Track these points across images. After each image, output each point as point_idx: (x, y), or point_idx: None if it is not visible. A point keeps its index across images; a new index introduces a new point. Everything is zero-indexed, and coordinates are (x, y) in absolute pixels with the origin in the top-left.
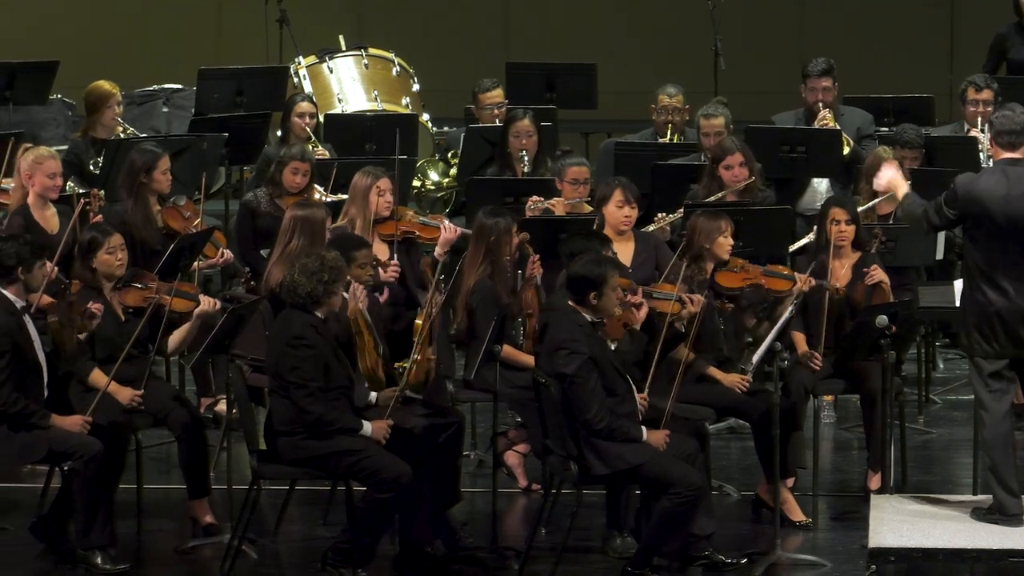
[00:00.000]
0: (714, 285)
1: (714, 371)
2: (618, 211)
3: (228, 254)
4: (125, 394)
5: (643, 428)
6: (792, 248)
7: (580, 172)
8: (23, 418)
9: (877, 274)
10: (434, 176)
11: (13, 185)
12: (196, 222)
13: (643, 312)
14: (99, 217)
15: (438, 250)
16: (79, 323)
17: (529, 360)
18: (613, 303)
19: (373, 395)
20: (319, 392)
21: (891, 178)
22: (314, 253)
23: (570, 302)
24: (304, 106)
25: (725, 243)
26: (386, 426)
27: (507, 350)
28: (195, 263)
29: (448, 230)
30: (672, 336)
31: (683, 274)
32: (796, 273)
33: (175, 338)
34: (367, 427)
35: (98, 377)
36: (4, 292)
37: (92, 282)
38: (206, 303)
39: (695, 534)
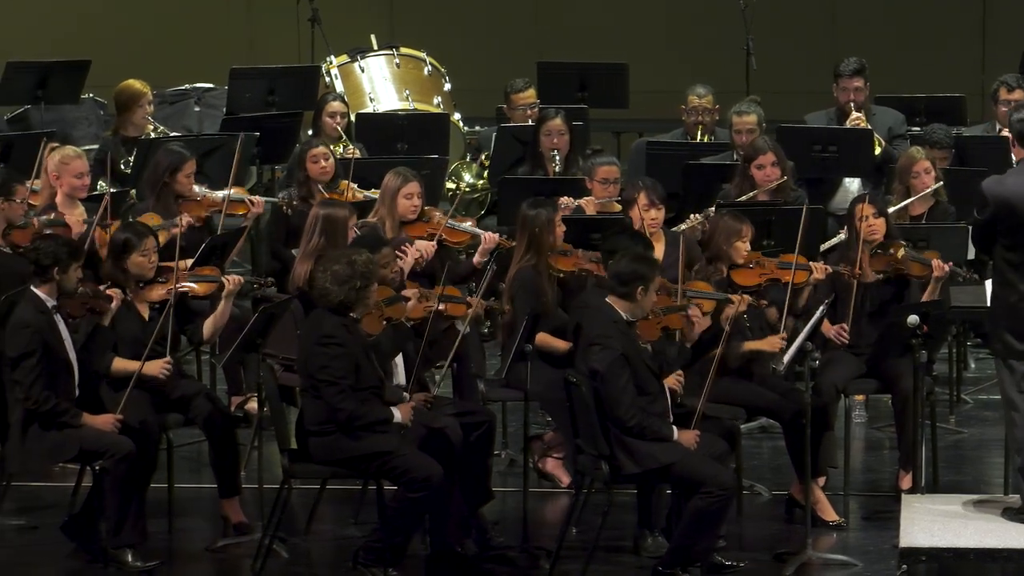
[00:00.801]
0: (731, 284)
1: (750, 344)
2: (644, 214)
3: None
4: (155, 366)
5: (674, 428)
6: (823, 247)
7: (610, 171)
8: (54, 416)
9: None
10: (468, 178)
11: (41, 185)
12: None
13: (699, 328)
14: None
15: (477, 258)
16: (98, 305)
17: (562, 345)
18: (652, 302)
19: (405, 395)
20: (350, 390)
21: None
22: (344, 257)
23: (608, 298)
24: (335, 105)
25: (742, 247)
26: (411, 408)
27: (541, 337)
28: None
29: (487, 240)
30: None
31: (700, 273)
32: (812, 263)
33: (208, 324)
34: (396, 413)
35: (122, 364)
36: (36, 291)
37: (122, 282)
38: (229, 282)
39: None
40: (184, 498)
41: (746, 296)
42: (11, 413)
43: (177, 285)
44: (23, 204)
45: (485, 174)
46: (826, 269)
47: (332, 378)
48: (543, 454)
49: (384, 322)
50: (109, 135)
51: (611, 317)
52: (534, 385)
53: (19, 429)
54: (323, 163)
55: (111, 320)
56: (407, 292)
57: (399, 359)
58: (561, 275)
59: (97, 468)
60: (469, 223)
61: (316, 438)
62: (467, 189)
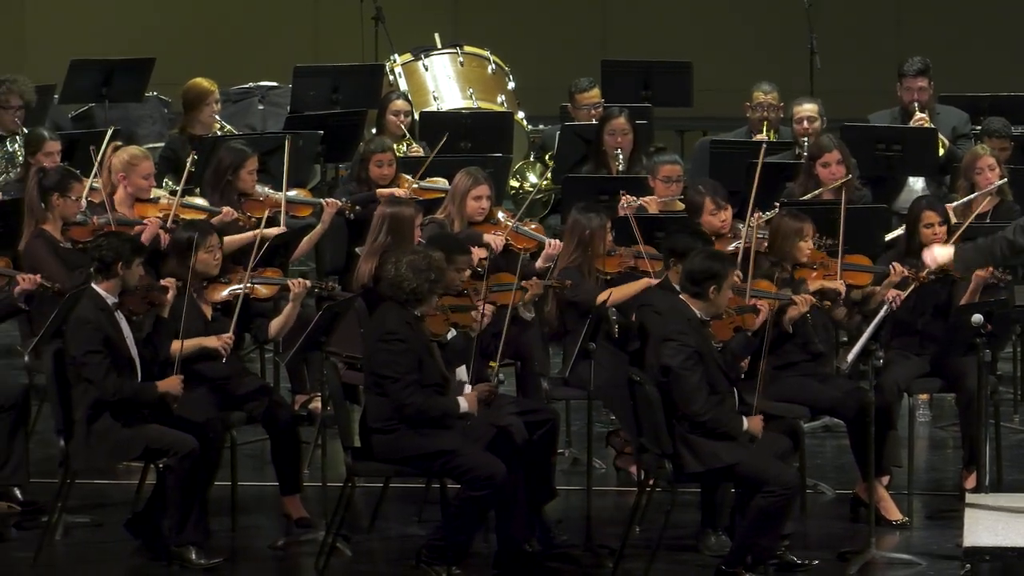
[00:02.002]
0: (794, 283)
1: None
2: (713, 218)
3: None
4: (215, 340)
5: (743, 419)
6: (887, 237)
7: (672, 170)
8: (135, 398)
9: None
10: (532, 178)
11: (102, 182)
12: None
13: (761, 317)
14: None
15: (540, 262)
16: (155, 297)
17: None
18: (726, 300)
19: (468, 387)
20: (416, 384)
21: (936, 256)
22: (420, 251)
23: (682, 296)
24: (399, 104)
25: (804, 247)
26: (476, 397)
27: (614, 295)
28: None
29: (552, 246)
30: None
31: (766, 273)
32: (892, 265)
33: (275, 324)
34: (463, 403)
35: (185, 344)
36: (97, 288)
37: (187, 281)
38: (295, 285)
39: None
40: (247, 496)
41: (808, 296)
42: (76, 411)
43: (243, 284)
44: (79, 202)
45: (549, 173)
46: (902, 272)
47: (396, 374)
48: (621, 450)
49: (451, 327)
50: (176, 133)
51: (685, 315)
52: (597, 383)
53: (84, 427)
54: (386, 168)
55: (171, 312)
56: (480, 304)
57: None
58: (608, 278)
59: (161, 466)
60: (534, 226)
61: (379, 436)
62: (531, 188)
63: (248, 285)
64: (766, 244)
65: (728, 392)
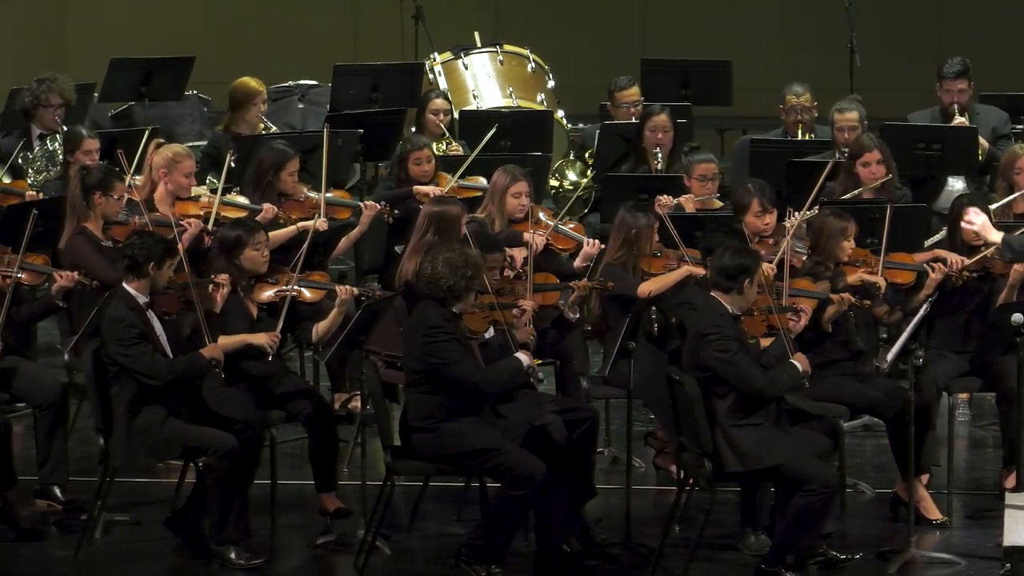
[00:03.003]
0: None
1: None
2: (758, 220)
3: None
4: (261, 337)
5: (793, 363)
6: (927, 243)
7: (708, 168)
8: (188, 372)
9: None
10: (572, 176)
11: (142, 180)
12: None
13: (803, 322)
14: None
15: (578, 262)
16: (203, 295)
17: (676, 275)
18: (755, 294)
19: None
20: (474, 363)
21: (982, 225)
22: (457, 248)
23: (713, 293)
24: (438, 103)
25: (847, 246)
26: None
27: (655, 285)
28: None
29: (590, 244)
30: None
31: (809, 271)
32: (929, 264)
33: (320, 328)
34: (523, 357)
35: (226, 339)
36: (127, 287)
37: (235, 279)
38: (342, 292)
39: None
40: (287, 495)
41: (847, 295)
42: (115, 408)
43: (289, 286)
44: (120, 200)
45: (588, 171)
46: (941, 268)
47: (449, 359)
48: (660, 449)
49: (491, 325)
50: (220, 131)
51: (718, 311)
52: (637, 382)
53: (123, 424)
54: (425, 166)
55: (223, 312)
56: (525, 304)
57: None
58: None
59: (200, 465)
60: (572, 226)
61: (419, 434)
62: (570, 187)
63: (295, 288)
64: (810, 244)
65: None
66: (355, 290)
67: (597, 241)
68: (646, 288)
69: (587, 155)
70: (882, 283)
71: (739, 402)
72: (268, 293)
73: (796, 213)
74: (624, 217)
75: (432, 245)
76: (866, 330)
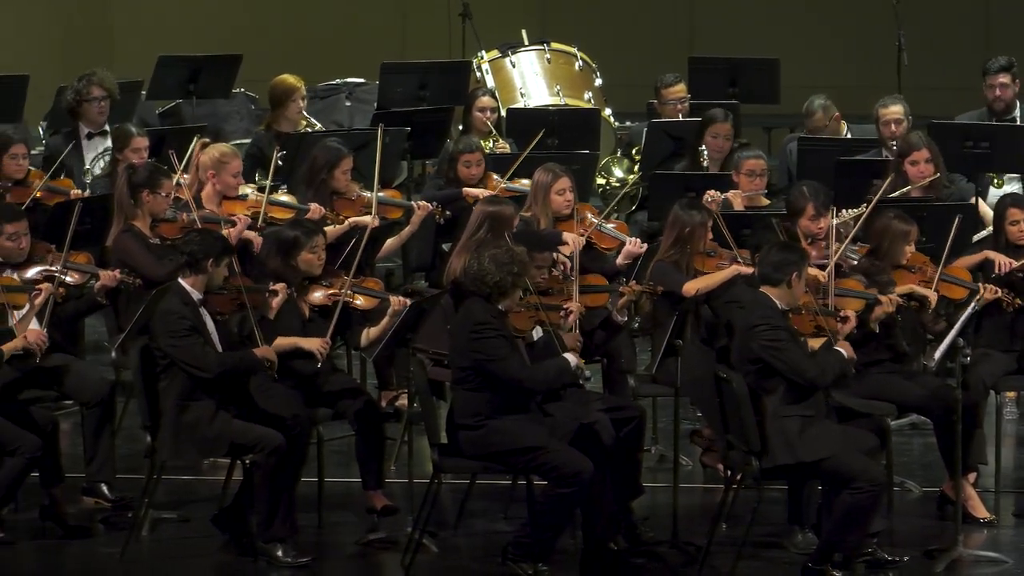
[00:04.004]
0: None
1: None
2: (812, 223)
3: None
4: (315, 342)
5: (838, 349)
6: (974, 239)
7: (756, 164)
8: (239, 367)
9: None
10: (619, 173)
11: (189, 179)
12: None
13: (848, 326)
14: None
15: (620, 260)
16: (256, 300)
17: (724, 273)
18: (802, 290)
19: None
20: (521, 360)
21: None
22: (503, 245)
23: (762, 288)
24: (485, 100)
25: (908, 250)
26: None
27: (701, 284)
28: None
29: (634, 244)
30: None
31: (864, 269)
32: (982, 284)
33: (371, 334)
34: (571, 357)
35: (282, 341)
36: (183, 283)
37: (290, 279)
38: (396, 303)
39: None
40: (334, 492)
41: (895, 297)
42: (163, 403)
43: (343, 291)
44: (168, 198)
45: (636, 169)
46: (994, 291)
47: (497, 355)
48: (706, 445)
49: (536, 325)
50: (262, 130)
51: (767, 304)
52: (684, 380)
53: (171, 419)
54: (474, 168)
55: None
56: (571, 305)
57: None
58: None
59: (247, 462)
60: (614, 225)
61: (466, 432)
62: (617, 184)
63: (348, 293)
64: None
65: None
66: (408, 302)
67: (639, 240)
68: (692, 287)
69: (634, 152)
70: (933, 299)
71: (789, 394)
72: (320, 295)
73: (844, 212)
74: (678, 214)
75: (485, 244)
76: (912, 333)
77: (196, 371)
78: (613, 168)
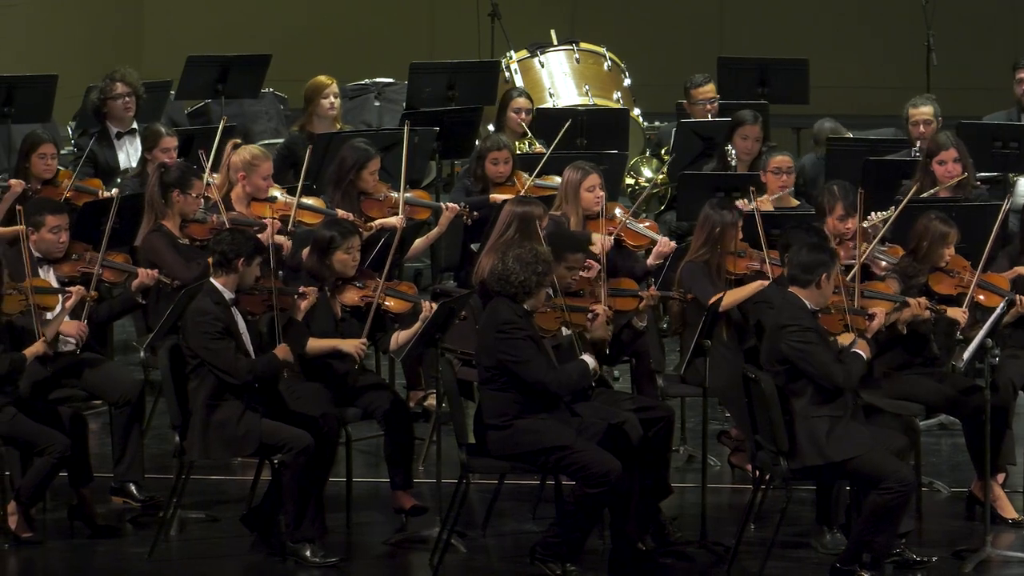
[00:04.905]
0: (926, 287)
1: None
2: (840, 224)
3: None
4: (351, 345)
5: (857, 352)
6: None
7: (782, 161)
8: (266, 373)
9: None
10: (647, 173)
11: (219, 179)
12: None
13: (876, 323)
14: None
15: (651, 260)
16: (285, 302)
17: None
18: (831, 290)
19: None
20: (545, 362)
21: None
22: (527, 245)
23: (791, 289)
24: (520, 101)
25: (947, 253)
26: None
27: (728, 299)
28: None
29: (663, 244)
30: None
31: (901, 269)
32: (1019, 296)
33: (402, 337)
34: (588, 360)
35: (318, 343)
36: (215, 283)
37: (324, 278)
38: (426, 308)
39: None
40: (362, 492)
41: (923, 300)
42: (192, 403)
43: (376, 293)
44: (198, 199)
45: (664, 169)
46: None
47: (523, 357)
48: (735, 448)
49: (562, 326)
50: (295, 131)
51: (796, 304)
52: (713, 380)
53: (200, 419)
54: (502, 166)
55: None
56: (597, 308)
57: None
58: (732, 278)
59: (276, 462)
60: (646, 224)
61: (494, 432)
62: (645, 183)
63: (381, 295)
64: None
65: None
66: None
67: (667, 239)
68: (717, 300)
69: (663, 152)
70: (963, 319)
71: (818, 395)
72: (353, 296)
73: (873, 214)
74: (709, 214)
75: (509, 243)
76: (944, 337)
77: (225, 376)
78: (642, 168)
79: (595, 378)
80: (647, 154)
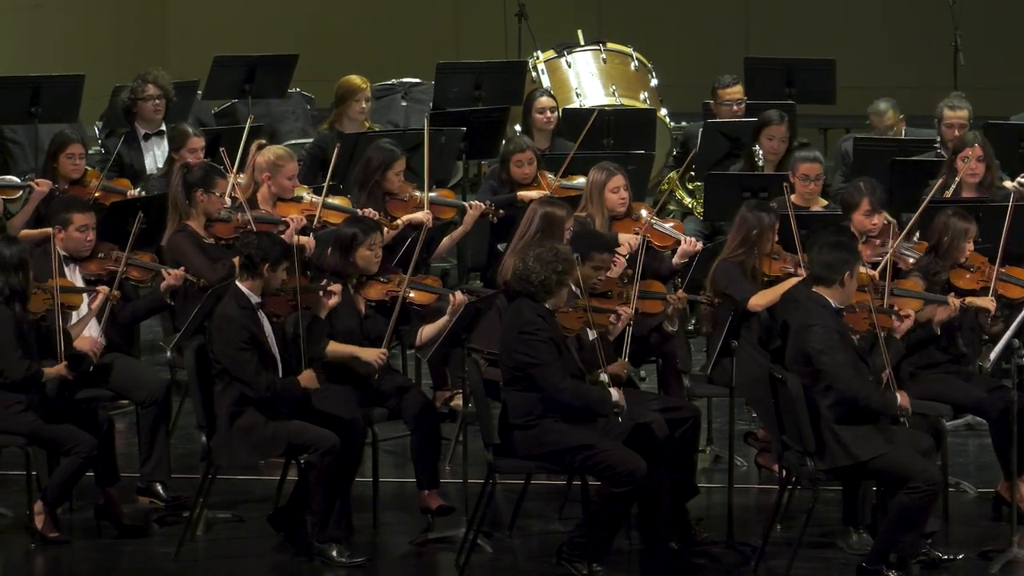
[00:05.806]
0: (948, 283)
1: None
2: (866, 219)
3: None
4: (372, 353)
5: (894, 394)
6: None
7: (811, 169)
8: (284, 393)
9: None
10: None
11: (244, 179)
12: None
13: (906, 324)
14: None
15: (676, 259)
16: (308, 300)
17: (782, 287)
18: (855, 288)
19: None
20: (564, 369)
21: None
22: (548, 244)
23: (815, 288)
24: (544, 100)
25: (967, 248)
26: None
27: (762, 300)
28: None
29: (688, 242)
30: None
31: (925, 267)
32: None
33: (427, 332)
34: (615, 393)
35: (337, 348)
36: (241, 286)
37: (348, 275)
38: (455, 300)
39: None
40: (389, 492)
41: (956, 300)
42: (218, 406)
43: (402, 288)
44: (222, 198)
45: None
46: None
47: (543, 360)
48: (762, 449)
49: (586, 326)
50: (324, 129)
51: (821, 303)
52: (740, 380)
53: (227, 422)
54: (526, 168)
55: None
56: (621, 309)
57: None
58: (766, 279)
59: (303, 462)
60: (672, 224)
61: (520, 431)
62: (683, 199)
63: (405, 289)
64: (929, 243)
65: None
66: (465, 299)
67: (693, 239)
68: (756, 304)
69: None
70: (991, 307)
71: (844, 395)
72: (378, 291)
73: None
74: (745, 215)
75: (531, 243)
76: (970, 333)
77: (245, 388)
78: (677, 194)
79: (620, 412)
80: (675, 153)
